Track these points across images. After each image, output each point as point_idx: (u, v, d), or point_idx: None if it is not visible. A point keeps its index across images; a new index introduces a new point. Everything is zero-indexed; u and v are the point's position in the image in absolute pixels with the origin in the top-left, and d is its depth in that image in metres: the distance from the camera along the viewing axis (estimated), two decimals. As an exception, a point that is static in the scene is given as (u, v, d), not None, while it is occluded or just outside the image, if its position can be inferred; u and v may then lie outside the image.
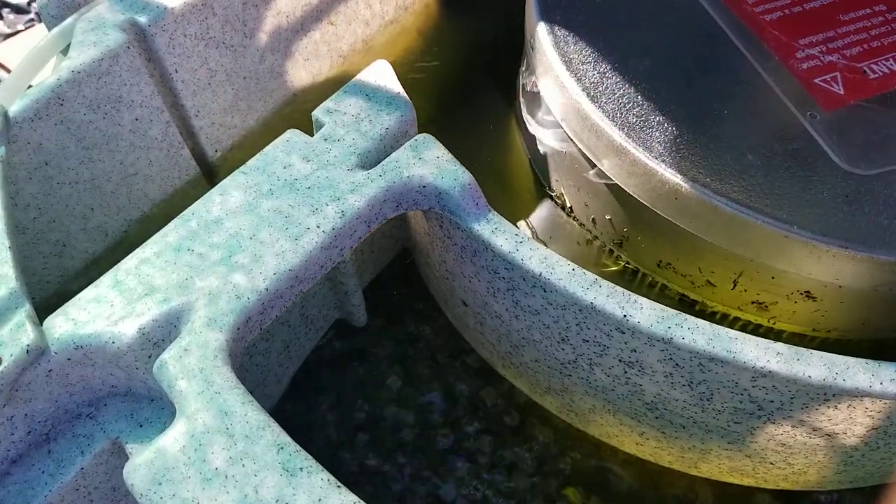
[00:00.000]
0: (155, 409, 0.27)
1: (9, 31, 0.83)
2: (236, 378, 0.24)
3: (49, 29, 0.37)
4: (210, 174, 0.42)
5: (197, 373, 0.24)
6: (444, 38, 0.51)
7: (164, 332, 0.25)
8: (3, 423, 0.25)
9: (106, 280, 0.27)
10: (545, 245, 0.40)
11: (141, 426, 0.26)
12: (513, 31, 0.44)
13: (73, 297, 0.29)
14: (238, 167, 0.43)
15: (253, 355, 0.36)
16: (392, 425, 0.40)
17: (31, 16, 0.83)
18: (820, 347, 0.36)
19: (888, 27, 0.36)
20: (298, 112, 0.45)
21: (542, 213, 0.41)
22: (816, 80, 0.34)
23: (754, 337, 0.26)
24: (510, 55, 0.46)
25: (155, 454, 0.23)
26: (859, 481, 0.36)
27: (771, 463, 0.34)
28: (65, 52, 0.36)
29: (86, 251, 0.38)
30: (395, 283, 0.45)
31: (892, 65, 0.35)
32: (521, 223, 0.41)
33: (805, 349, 0.26)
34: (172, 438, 0.23)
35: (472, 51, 0.50)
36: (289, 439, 0.23)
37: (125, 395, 0.27)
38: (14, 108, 0.32)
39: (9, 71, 0.81)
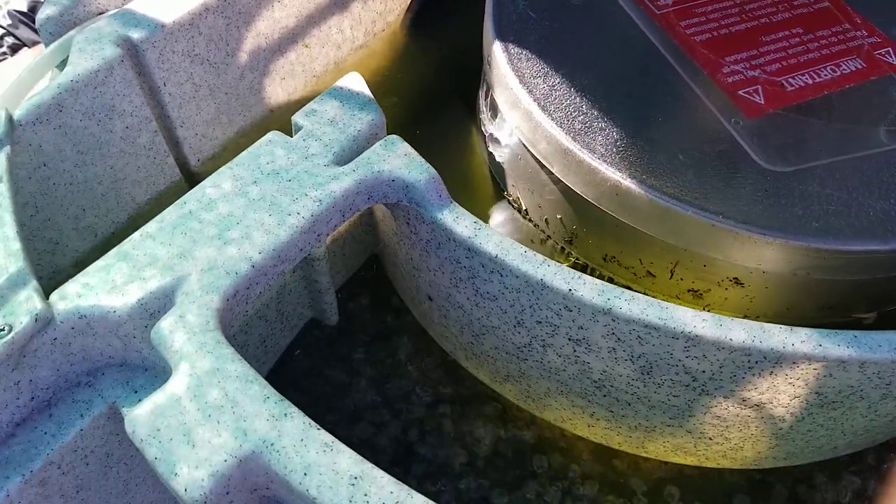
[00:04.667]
0: (149, 378, 0.29)
1: None
2: (226, 340, 0.27)
3: (46, 45, 0.40)
4: (192, 182, 0.45)
5: (192, 335, 0.27)
6: (411, 59, 0.55)
7: (160, 304, 0.28)
8: (10, 387, 0.27)
9: (111, 254, 0.30)
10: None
11: (136, 392, 0.29)
12: (472, 53, 0.48)
13: None
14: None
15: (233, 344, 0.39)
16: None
17: (3, 49, 0.85)
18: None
19: (804, 47, 0.41)
20: (275, 126, 0.48)
21: (500, 215, 0.44)
22: (740, 92, 0.38)
23: (683, 307, 0.30)
24: (471, 73, 0.50)
25: (154, 404, 0.25)
26: (794, 458, 0.40)
27: (710, 438, 0.37)
28: (61, 66, 0.40)
29: (76, 250, 0.40)
30: (364, 287, 0.48)
31: (807, 79, 0.40)
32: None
33: (728, 317, 0.29)
34: (170, 391, 0.26)
35: (436, 70, 0.54)
36: (273, 391, 0.26)
37: (121, 365, 0.30)
38: (18, 112, 0.35)
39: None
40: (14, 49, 0.86)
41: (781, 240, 0.34)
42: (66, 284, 0.29)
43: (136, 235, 0.30)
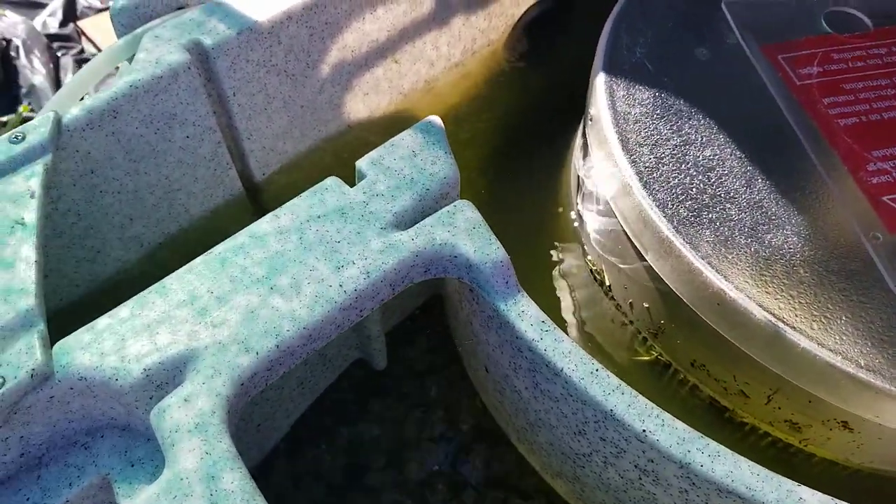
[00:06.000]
0: (149, 450, 0.26)
1: (101, 5, 0.85)
2: (230, 439, 0.23)
3: (118, 36, 0.37)
4: (254, 195, 0.42)
5: (192, 427, 0.23)
6: (509, 85, 0.50)
7: (168, 376, 0.25)
8: (-1, 442, 0.25)
9: (120, 313, 0.26)
10: (580, 315, 0.39)
11: (132, 466, 0.26)
12: (575, 89, 0.43)
13: (100, 303, 0.28)
14: (283, 191, 0.42)
15: (265, 389, 0.36)
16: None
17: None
18: (853, 478, 0.34)
19: (974, 150, 0.34)
20: (352, 143, 0.45)
21: (580, 282, 0.39)
22: (885, 198, 0.32)
23: (777, 476, 0.24)
24: (569, 114, 0.45)
25: (135, 506, 0.22)
26: None
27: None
28: (131, 60, 0.37)
29: (119, 259, 0.38)
30: (422, 330, 0.45)
31: (970, 191, 0.33)
32: (563, 289, 0.40)
33: (831, 499, 0.24)
34: (155, 495, 0.22)
35: (532, 104, 0.49)
36: (271, 513, 0.22)
37: (123, 429, 0.27)
38: (67, 117, 0.32)
39: (97, 47, 0.83)
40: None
41: (911, 396, 0.28)
42: (76, 333, 0.26)
43: (147, 296, 0.27)
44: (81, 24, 0.85)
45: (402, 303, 0.42)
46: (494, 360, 0.34)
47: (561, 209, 0.42)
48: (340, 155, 0.44)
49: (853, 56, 0.37)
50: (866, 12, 0.39)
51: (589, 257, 0.38)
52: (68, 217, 0.34)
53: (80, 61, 0.81)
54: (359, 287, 0.27)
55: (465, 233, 0.29)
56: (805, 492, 0.24)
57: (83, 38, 0.84)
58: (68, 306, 0.37)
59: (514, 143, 0.47)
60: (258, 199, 0.42)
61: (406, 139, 0.32)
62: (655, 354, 0.36)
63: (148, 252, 0.39)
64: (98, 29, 0.84)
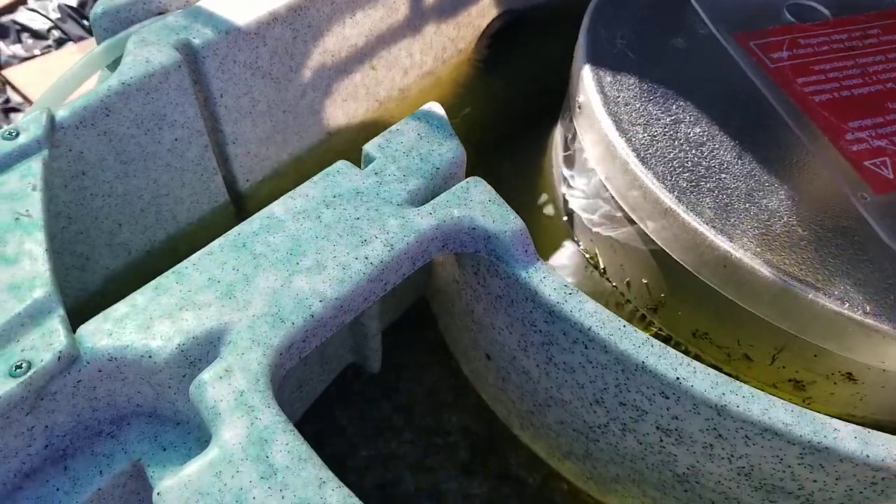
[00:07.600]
0: (180, 434, 0.25)
1: (26, 54, 0.84)
2: (277, 404, 0.23)
3: (98, 41, 0.36)
4: (238, 203, 0.41)
5: (237, 396, 0.22)
6: (478, 91, 0.51)
7: (202, 352, 0.24)
8: (23, 433, 0.23)
9: (137, 300, 0.26)
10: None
11: (164, 450, 0.25)
12: (544, 89, 0.44)
13: (88, 314, 0.27)
14: (266, 200, 0.42)
15: (269, 390, 0.35)
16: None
17: (49, 42, 0.84)
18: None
19: (934, 119, 0.37)
20: (331, 151, 0.45)
21: (571, 270, 0.40)
22: (866, 163, 0.34)
23: (811, 411, 0.25)
24: (540, 111, 0.47)
25: (189, 478, 0.21)
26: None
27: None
28: (111, 67, 0.36)
29: (107, 267, 0.37)
30: (411, 332, 0.44)
31: (937, 156, 0.35)
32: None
33: (864, 428, 0.25)
34: (209, 464, 0.21)
35: (502, 106, 0.51)
36: (331, 474, 0.21)
37: (150, 415, 0.26)
38: (61, 113, 0.31)
39: (23, 96, 0.82)
40: (59, 43, 0.84)
41: (914, 338, 0.29)
42: (98, 316, 0.25)
43: (171, 276, 0.26)
44: (6, 73, 0.83)
45: (395, 303, 0.42)
46: (499, 343, 0.34)
47: (545, 200, 0.43)
48: (323, 162, 0.44)
49: (818, 42, 0.40)
50: (824, 3, 0.42)
51: (580, 243, 0.39)
52: (59, 220, 0.33)
53: (7, 111, 0.80)
54: (384, 259, 0.27)
55: (480, 206, 0.29)
56: (837, 423, 0.25)
57: (8, 88, 0.82)
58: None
59: (489, 145, 0.48)
60: (243, 209, 0.42)
61: (410, 124, 0.32)
62: (655, 330, 0.37)
63: (135, 260, 0.38)
64: (24, 78, 0.82)
